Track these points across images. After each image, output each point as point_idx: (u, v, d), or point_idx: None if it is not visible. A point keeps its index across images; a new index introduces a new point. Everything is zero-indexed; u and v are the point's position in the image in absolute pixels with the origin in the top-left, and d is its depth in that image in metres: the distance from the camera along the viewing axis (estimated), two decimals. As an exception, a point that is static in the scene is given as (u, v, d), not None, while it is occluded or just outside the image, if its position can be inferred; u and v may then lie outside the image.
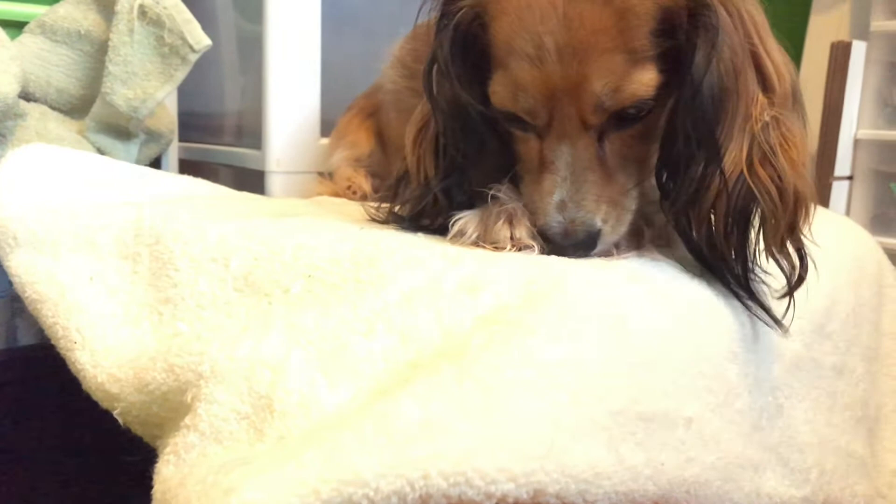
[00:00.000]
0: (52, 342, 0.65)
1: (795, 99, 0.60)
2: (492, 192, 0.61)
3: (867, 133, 1.76)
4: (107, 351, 0.60)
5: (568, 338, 0.45)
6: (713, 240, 0.57)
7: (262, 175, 1.15)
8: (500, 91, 0.59)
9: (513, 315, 0.47)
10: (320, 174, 1.12)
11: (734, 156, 0.56)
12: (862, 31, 1.80)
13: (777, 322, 0.58)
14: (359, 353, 0.47)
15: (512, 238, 0.57)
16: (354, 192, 0.99)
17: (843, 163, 1.78)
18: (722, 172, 0.56)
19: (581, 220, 0.57)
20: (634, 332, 0.48)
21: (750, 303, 0.58)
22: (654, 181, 0.62)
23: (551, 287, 0.50)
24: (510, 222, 0.58)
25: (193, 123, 1.39)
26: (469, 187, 0.63)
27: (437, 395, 0.40)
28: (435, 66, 0.62)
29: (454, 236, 0.60)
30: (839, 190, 1.78)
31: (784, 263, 0.58)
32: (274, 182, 1.13)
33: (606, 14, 0.54)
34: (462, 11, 0.60)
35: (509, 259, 0.55)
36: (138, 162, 1.21)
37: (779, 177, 0.56)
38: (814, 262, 0.60)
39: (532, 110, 0.58)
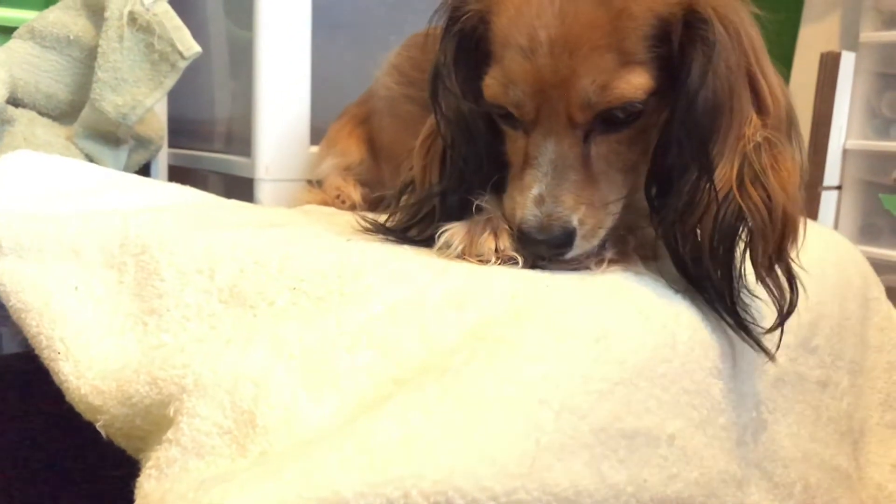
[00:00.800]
0: (36, 352, 0.64)
1: (791, 124, 0.60)
2: (476, 203, 0.61)
3: (856, 143, 1.77)
4: (90, 362, 0.60)
5: (550, 355, 0.45)
6: (699, 257, 0.57)
7: (251, 182, 1.15)
8: (492, 84, 0.59)
9: (496, 331, 0.47)
10: (309, 182, 1.11)
11: (724, 172, 0.56)
12: (851, 42, 1.81)
13: (763, 349, 0.58)
14: (342, 367, 0.47)
15: (496, 250, 0.57)
16: (343, 202, 0.98)
17: (832, 172, 1.79)
18: (713, 187, 0.56)
19: (558, 214, 0.57)
20: (618, 348, 0.48)
21: (736, 327, 0.58)
22: (642, 195, 0.62)
23: (535, 301, 0.50)
24: (495, 234, 0.58)
25: (183, 129, 1.39)
26: (465, 194, 0.63)
27: (419, 413, 0.40)
28: (437, 67, 0.63)
29: (440, 248, 0.60)
30: (828, 199, 1.79)
31: (773, 288, 0.58)
32: (263, 190, 1.13)
33: (601, 12, 0.55)
34: (467, 16, 0.61)
35: (494, 272, 0.55)
36: (127, 168, 1.21)
37: (768, 197, 0.57)
38: (803, 286, 0.60)
39: (520, 103, 0.58)
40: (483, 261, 0.58)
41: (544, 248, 0.57)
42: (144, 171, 1.27)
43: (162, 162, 1.28)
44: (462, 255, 0.59)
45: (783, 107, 0.59)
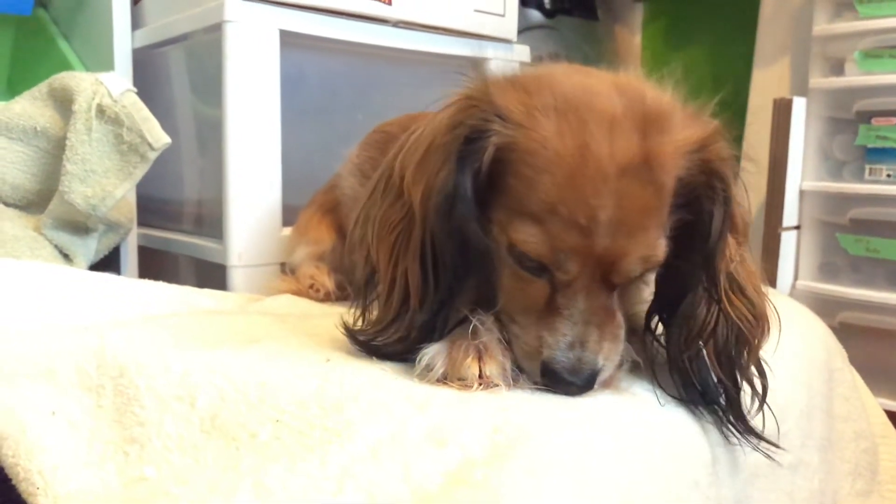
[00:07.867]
0: (14, 483, 0.63)
1: (746, 231, 0.66)
2: (474, 322, 0.61)
3: (811, 185, 1.82)
4: (70, 499, 0.59)
5: (531, 500, 0.46)
6: (708, 372, 0.63)
7: (223, 268, 1.14)
8: (533, 242, 0.58)
9: (478, 475, 0.47)
10: (282, 265, 1.12)
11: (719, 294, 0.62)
12: (801, 88, 1.88)
13: (773, 444, 0.64)
14: (329, 515, 0.48)
15: (480, 376, 0.58)
16: (317, 291, 0.99)
17: (791, 213, 1.84)
18: (721, 310, 0.62)
19: (587, 359, 0.60)
20: (598, 481, 0.49)
21: (746, 434, 0.63)
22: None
23: (516, 437, 0.51)
24: (479, 358, 0.59)
25: (153, 208, 1.38)
26: (455, 315, 0.63)
27: (409, 580, 0.40)
28: (446, 197, 0.59)
29: (421, 372, 0.60)
30: (788, 240, 1.84)
31: (752, 379, 0.64)
32: (236, 277, 1.12)
33: (649, 193, 0.58)
34: (488, 150, 0.59)
35: (475, 402, 0.56)
36: (97, 253, 1.20)
37: (752, 304, 0.63)
38: (769, 367, 0.66)
39: (566, 269, 0.59)
40: (466, 386, 0.58)
41: (574, 389, 0.59)
42: (114, 253, 1.27)
43: (132, 244, 1.28)
44: (443, 380, 0.59)
45: (746, 222, 0.64)
